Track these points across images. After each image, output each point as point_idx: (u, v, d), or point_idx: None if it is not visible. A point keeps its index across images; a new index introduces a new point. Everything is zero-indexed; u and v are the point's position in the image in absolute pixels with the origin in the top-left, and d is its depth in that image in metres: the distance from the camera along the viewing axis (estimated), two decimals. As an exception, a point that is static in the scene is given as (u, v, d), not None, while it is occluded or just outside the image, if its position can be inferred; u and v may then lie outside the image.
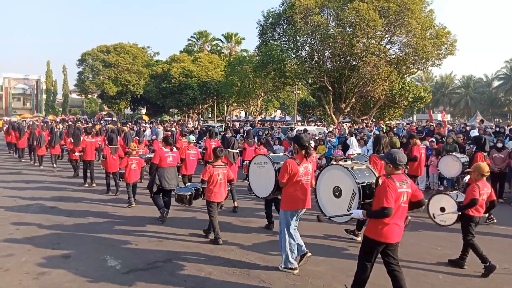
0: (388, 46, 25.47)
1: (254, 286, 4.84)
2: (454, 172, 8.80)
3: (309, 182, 5.26)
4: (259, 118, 44.93)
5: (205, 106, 52.41)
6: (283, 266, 5.25)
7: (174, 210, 8.35)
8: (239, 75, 35.99)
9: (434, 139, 13.00)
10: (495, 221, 7.90)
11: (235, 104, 47.18)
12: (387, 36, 24.95)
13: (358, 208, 4.48)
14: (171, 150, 7.93)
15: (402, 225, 4.18)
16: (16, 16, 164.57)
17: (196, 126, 27.58)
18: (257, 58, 30.94)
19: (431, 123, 21.38)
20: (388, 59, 25.14)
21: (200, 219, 7.90)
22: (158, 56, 62.57)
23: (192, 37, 59.47)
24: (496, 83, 73.59)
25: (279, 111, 66.02)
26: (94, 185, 11.56)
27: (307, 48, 27.15)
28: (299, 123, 30.60)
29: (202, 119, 56.27)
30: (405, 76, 29.36)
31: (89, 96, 63.22)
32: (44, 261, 5.57)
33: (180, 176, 8.98)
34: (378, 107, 30.76)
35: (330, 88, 27.00)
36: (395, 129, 21.66)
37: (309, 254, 5.29)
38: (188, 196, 7.03)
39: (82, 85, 54.47)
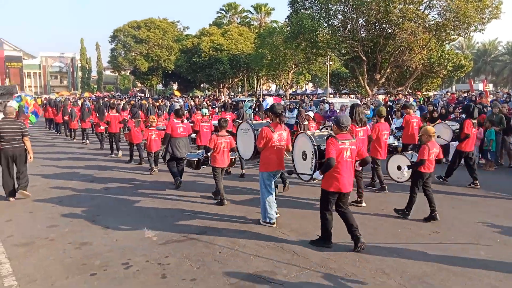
0: (426, 12, 24.05)
1: (288, 259, 4.82)
2: (446, 138, 9.20)
3: (283, 147, 5.91)
4: (290, 91, 44.32)
5: (236, 80, 52.26)
6: (262, 220, 6.02)
7: (211, 182, 8.43)
8: (269, 47, 35.37)
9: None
10: (478, 186, 8.30)
11: (266, 77, 46.70)
12: (425, 0, 23.55)
13: (316, 167, 5.14)
14: (182, 121, 8.68)
15: (351, 177, 5.06)
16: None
17: (226, 101, 27.58)
18: (288, 28, 30.20)
19: (472, 93, 20.34)
20: (427, 25, 23.79)
21: (237, 189, 7.96)
22: (188, 31, 62.59)
23: (221, 9, 58.90)
24: (544, 49, 68.71)
25: (310, 84, 64.80)
26: (120, 154, 12.64)
27: (339, 17, 26.17)
28: (332, 96, 29.94)
29: (233, 93, 56.20)
30: (445, 43, 27.81)
31: (122, 72, 64.42)
32: (85, 232, 5.79)
33: (196, 146, 10.24)
34: (415, 77, 29.51)
35: (364, 58, 26.05)
36: (432, 100, 20.83)
37: (278, 214, 6.15)
38: (196, 162, 7.83)
39: (115, 61, 55.44)
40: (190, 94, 48.89)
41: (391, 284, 4.19)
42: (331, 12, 25.85)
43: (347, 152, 4.90)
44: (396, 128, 10.63)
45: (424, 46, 24.68)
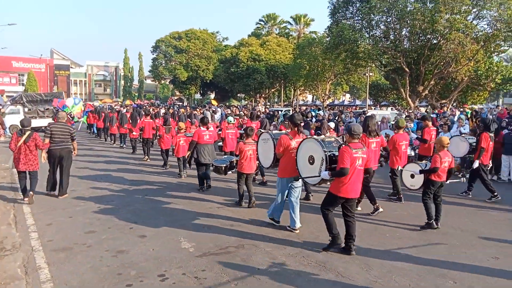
0: (475, 22, 22.96)
1: (332, 280, 4.49)
2: (462, 151, 9.28)
3: None
4: (327, 102, 43.70)
5: (272, 90, 52.21)
6: (268, 216, 6.42)
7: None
8: (307, 57, 35.04)
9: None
10: (470, 196, 8.59)
11: (303, 88, 46.34)
12: (474, 10, 22.47)
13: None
14: (208, 129, 9.13)
15: (360, 184, 5.23)
16: (98, 7, 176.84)
17: (263, 111, 27.48)
18: (328, 39, 29.78)
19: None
20: (475, 35, 22.67)
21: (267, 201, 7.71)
22: (227, 41, 63.40)
23: (260, 20, 59.24)
24: None
25: (348, 95, 63.69)
26: (148, 159, 13.20)
27: (382, 27, 25.49)
28: (373, 108, 29.11)
29: (269, 103, 56.20)
30: (493, 55, 26.39)
31: (162, 81, 66.06)
32: (122, 240, 5.72)
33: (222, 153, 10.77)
34: (459, 89, 28.17)
35: (406, 69, 25.16)
36: (480, 114, 19.70)
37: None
38: (223, 168, 8.28)
39: (156, 71, 56.95)
40: (227, 104, 49.32)
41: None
42: (373, 22, 25.21)
43: (359, 160, 5.06)
44: (417, 138, 10.80)
45: (471, 58, 23.52)
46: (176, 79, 56.82)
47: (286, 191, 6.16)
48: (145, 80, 78.23)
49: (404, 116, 16.75)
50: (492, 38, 22.27)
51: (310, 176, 5.52)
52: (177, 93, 69.99)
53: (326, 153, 5.24)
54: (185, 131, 11.07)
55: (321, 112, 20.51)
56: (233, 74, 46.24)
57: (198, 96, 66.24)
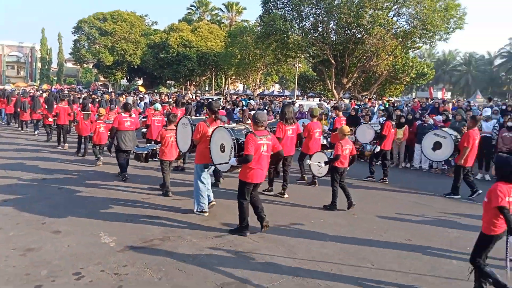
0: (395, 19, 24.54)
1: (260, 266, 4.48)
2: (368, 138, 10.10)
3: None
4: (258, 92, 44.16)
5: (203, 78, 51.42)
6: (196, 210, 6.31)
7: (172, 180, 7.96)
8: (239, 46, 34.95)
9: (440, 117, 12.60)
10: (387, 182, 9.27)
11: (234, 77, 46.27)
12: (395, 7, 24.00)
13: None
14: (130, 115, 8.90)
15: (265, 170, 5.54)
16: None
17: (193, 99, 26.95)
18: (259, 28, 29.92)
19: (436, 101, 20.89)
20: (394, 32, 24.26)
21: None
22: (157, 26, 60.93)
23: (191, 5, 57.79)
24: (498, 61, 72.56)
25: (277, 86, 64.95)
26: (66, 147, 12.49)
27: (311, 19, 26.19)
28: (301, 98, 29.96)
29: (200, 91, 55.31)
30: (410, 51, 28.51)
31: (85, 65, 61.80)
32: (33, 237, 5.18)
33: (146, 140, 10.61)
34: (379, 83, 30.06)
35: (333, 61, 26.21)
36: (397, 106, 21.20)
37: (214, 202, 6.54)
38: (144, 155, 8.14)
39: (78, 54, 53.01)
40: (156, 91, 47.59)
41: None
42: (303, 14, 25.82)
43: (264, 147, 5.35)
44: (329, 129, 11.37)
45: (390, 53, 25.16)
46: (100, 63, 53.33)
47: (204, 177, 6.32)
48: (65, 63, 72.40)
49: (330, 107, 17.44)
50: (409, 34, 23.99)
51: (221, 163, 5.73)
52: (102, 78, 65.97)
53: (235, 141, 5.46)
54: (104, 118, 10.78)
55: (251, 102, 20.62)
56: (163, 60, 44.64)
57: (124, 82, 62.98)
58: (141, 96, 28.07)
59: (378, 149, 9.30)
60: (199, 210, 6.30)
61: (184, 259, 4.64)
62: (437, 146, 8.81)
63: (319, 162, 7.42)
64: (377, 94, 33.49)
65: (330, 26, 25.83)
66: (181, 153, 7.77)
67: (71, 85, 59.36)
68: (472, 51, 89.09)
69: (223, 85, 52.14)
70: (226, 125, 6.19)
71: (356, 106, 19.64)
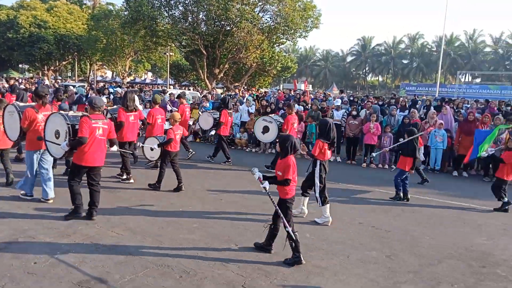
0: (261, 14, 25.92)
1: (120, 261, 4.38)
2: (209, 124, 11.13)
3: None
4: (128, 79, 41.96)
5: (64, 63, 46.57)
6: (18, 187, 6.37)
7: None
8: (104, 30, 32.65)
9: (301, 107, 13.94)
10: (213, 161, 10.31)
11: (100, 63, 43.03)
12: (260, 3, 25.32)
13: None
14: None
15: (102, 153, 5.61)
16: None
17: (51, 85, 24.21)
18: (126, 13, 28.34)
19: (297, 92, 22.92)
20: (261, 27, 25.64)
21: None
22: (2, 1, 52.59)
23: (46, -19, 51.23)
24: (349, 58, 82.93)
25: (150, 74, 62.62)
26: None
27: (180, 8, 25.91)
28: (171, 87, 29.52)
29: (60, 77, 49.88)
30: (275, 45, 30.51)
31: None
32: None
33: None
34: (249, 74, 31.52)
35: (204, 52, 26.45)
36: (265, 97, 22.60)
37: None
38: None
39: None
40: (5, 75, 41.25)
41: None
42: (172, 2, 25.35)
43: (99, 130, 5.46)
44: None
45: (258, 46, 26.55)
46: None
47: (36, 165, 6.18)
48: None
49: (202, 96, 17.62)
50: (274, 30, 25.69)
51: (53, 142, 5.74)
52: None
53: (69, 125, 5.55)
54: None
55: (118, 89, 19.54)
56: (11, 40, 38.90)
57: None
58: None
59: (213, 132, 10.91)
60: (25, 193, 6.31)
61: (35, 261, 4.24)
62: (265, 129, 10.19)
63: (152, 146, 7.72)
64: (248, 85, 35.07)
65: (200, 16, 25.97)
66: (15, 142, 7.30)
67: None
68: (329, 48, 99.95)
69: (88, 71, 47.98)
70: (61, 112, 6.14)
71: (227, 97, 20.31)
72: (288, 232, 4.45)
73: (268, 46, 28.44)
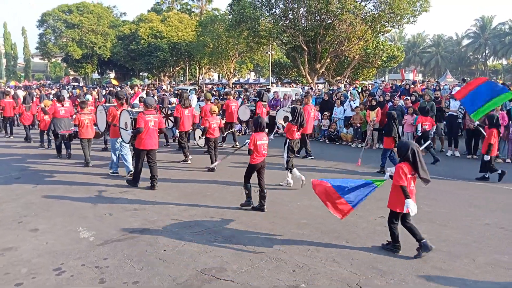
0: (363, 4, 24.84)
1: (238, 253, 4.64)
2: (247, 116, 12.37)
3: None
4: (233, 80, 43.99)
5: (177, 68, 50.80)
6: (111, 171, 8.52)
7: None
8: (211, 35, 34.66)
9: (409, 98, 12.99)
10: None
11: (208, 66, 45.91)
12: (362, -8, 24.28)
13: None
14: (63, 105, 10.71)
15: (155, 139, 7.44)
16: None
17: (167, 89, 26.66)
18: (230, 16, 29.71)
19: (406, 82, 21.42)
20: (363, 17, 24.58)
21: (180, 182, 7.62)
22: (125, 17, 59.47)
23: (160, -5, 56.48)
24: (465, 42, 74.67)
25: (252, 74, 64.80)
26: (12, 137, 14.25)
27: (281, 6, 26.17)
28: (274, 85, 30.08)
29: (174, 82, 54.61)
30: (379, 34, 28.95)
31: (53, 60, 59.88)
32: (9, 236, 5.17)
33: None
34: (352, 67, 30.49)
35: (305, 47, 26.38)
36: (371, 89, 21.64)
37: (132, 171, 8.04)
38: (67, 135, 9.89)
39: (44, 48, 51.24)
40: (129, 83, 46.68)
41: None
42: (273, 1, 25.78)
43: (151, 122, 7.29)
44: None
45: (361, 37, 25.50)
46: (68, 57, 51.83)
47: (118, 150, 8.33)
48: (32, 58, 69.88)
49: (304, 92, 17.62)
50: (378, 19, 24.34)
51: (124, 133, 7.71)
52: (72, 73, 64.09)
53: (132, 119, 7.50)
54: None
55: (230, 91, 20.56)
56: (133, 51, 43.80)
57: (96, 75, 61.45)
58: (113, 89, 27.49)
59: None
60: (114, 171, 8.44)
61: (164, 249, 4.75)
62: (286, 119, 9.96)
63: (199, 136, 10.73)
64: (350, 78, 33.98)
65: (300, 12, 25.91)
66: (100, 132, 9.71)
67: (40, 81, 57.40)
68: (440, 32, 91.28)
69: (198, 75, 51.63)
70: (129, 109, 8.38)
71: (330, 91, 19.98)
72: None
73: (372, 36, 27.11)
